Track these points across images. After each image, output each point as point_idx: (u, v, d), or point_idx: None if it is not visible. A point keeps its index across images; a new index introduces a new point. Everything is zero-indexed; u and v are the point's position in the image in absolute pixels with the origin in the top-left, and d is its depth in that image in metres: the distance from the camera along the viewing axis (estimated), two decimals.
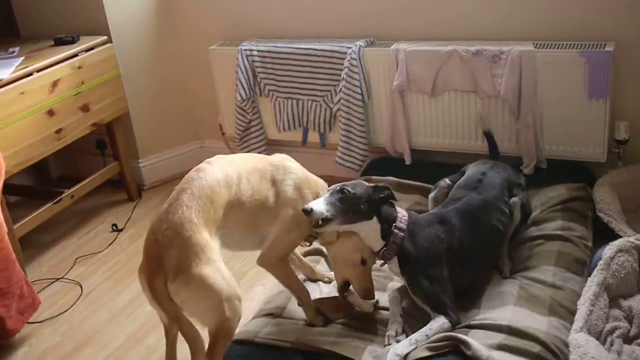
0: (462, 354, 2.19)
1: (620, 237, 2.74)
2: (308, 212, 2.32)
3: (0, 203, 3.11)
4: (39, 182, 4.36)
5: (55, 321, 3.18)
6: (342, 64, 3.58)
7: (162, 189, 4.24)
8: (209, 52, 3.98)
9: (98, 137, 4.15)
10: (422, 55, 3.41)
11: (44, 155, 3.58)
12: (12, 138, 3.31)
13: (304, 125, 3.85)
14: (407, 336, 2.36)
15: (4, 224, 2.89)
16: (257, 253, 2.50)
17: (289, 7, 3.85)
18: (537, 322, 2.33)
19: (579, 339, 2.23)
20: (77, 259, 3.64)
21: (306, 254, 2.93)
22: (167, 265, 2.14)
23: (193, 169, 2.38)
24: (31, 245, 3.72)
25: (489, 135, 3.30)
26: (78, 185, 3.83)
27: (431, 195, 2.94)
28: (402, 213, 2.49)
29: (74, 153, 4.20)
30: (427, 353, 2.24)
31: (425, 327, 2.35)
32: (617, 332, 2.38)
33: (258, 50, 3.79)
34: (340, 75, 3.60)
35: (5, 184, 2.99)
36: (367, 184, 2.49)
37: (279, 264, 2.50)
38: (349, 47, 3.57)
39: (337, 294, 2.60)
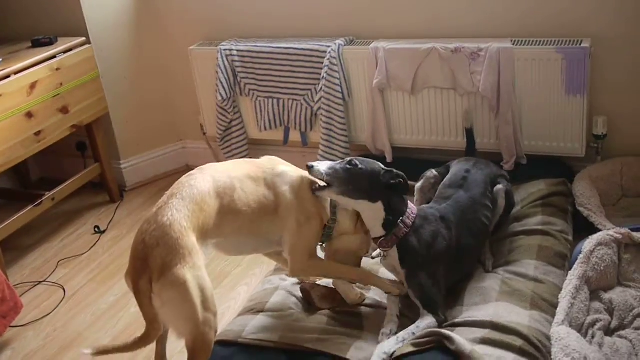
0: (446, 349, 2.21)
1: (600, 230, 2.77)
2: (309, 168, 2.36)
3: None
4: (19, 185, 4.33)
5: (38, 324, 3.16)
6: (322, 63, 3.59)
7: (144, 190, 4.23)
8: (189, 53, 3.96)
9: (78, 138, 4.12)
10: (402, 53, 3.43)
11: (24, 157, 3.55)
12: None
13: (285, 124, 3.85)
14: None
15: None
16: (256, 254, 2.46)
17: (268, 7, 3.84)
18: (519, 316, 2.35)
19: (561, 332, 2.25)
20: (59, 261, 3.62)
21: None
22: (152, 264, 2.13)
23: (185, 175, 2.37)
24: (13, 248, 3.70)
25: (469, 132, 3.33)
26: (59, 188, 3.81)
27: (417, 185, 2.94)
28: (412, 209, 2.48)
29: (54, 155, 4.18)
30: (411, 349, 2.25)
31: (412, 326, 2.37)
32: (599, 325, 2.42)
33: (238, 50, 3.79)
34: (320, 74, 3.61)
35: None
36: (381, 165, 2.47)
37: (311, 265, 2.46)
38: (329, 46, 3.57)
39: (331, 285, 2.61)
